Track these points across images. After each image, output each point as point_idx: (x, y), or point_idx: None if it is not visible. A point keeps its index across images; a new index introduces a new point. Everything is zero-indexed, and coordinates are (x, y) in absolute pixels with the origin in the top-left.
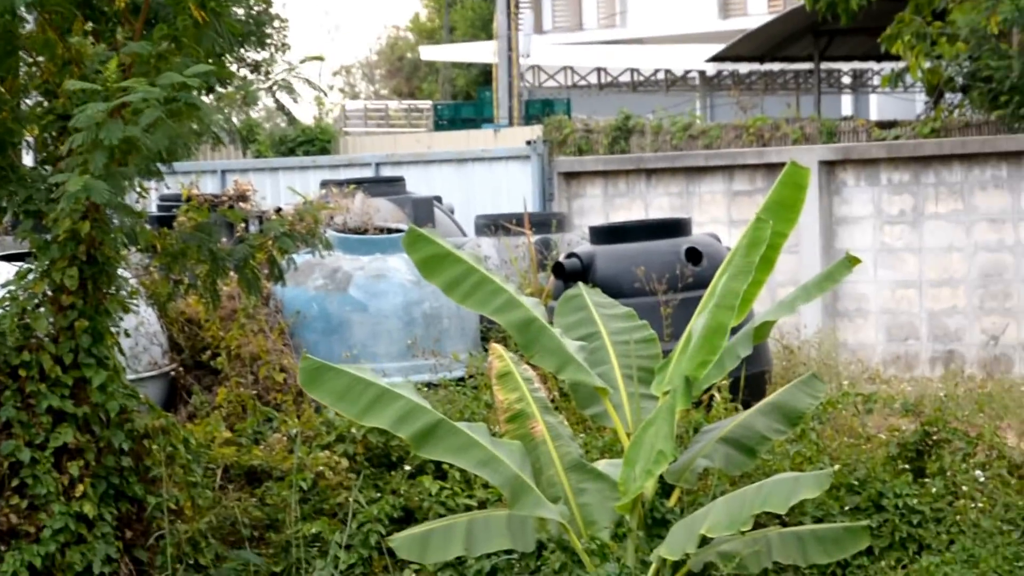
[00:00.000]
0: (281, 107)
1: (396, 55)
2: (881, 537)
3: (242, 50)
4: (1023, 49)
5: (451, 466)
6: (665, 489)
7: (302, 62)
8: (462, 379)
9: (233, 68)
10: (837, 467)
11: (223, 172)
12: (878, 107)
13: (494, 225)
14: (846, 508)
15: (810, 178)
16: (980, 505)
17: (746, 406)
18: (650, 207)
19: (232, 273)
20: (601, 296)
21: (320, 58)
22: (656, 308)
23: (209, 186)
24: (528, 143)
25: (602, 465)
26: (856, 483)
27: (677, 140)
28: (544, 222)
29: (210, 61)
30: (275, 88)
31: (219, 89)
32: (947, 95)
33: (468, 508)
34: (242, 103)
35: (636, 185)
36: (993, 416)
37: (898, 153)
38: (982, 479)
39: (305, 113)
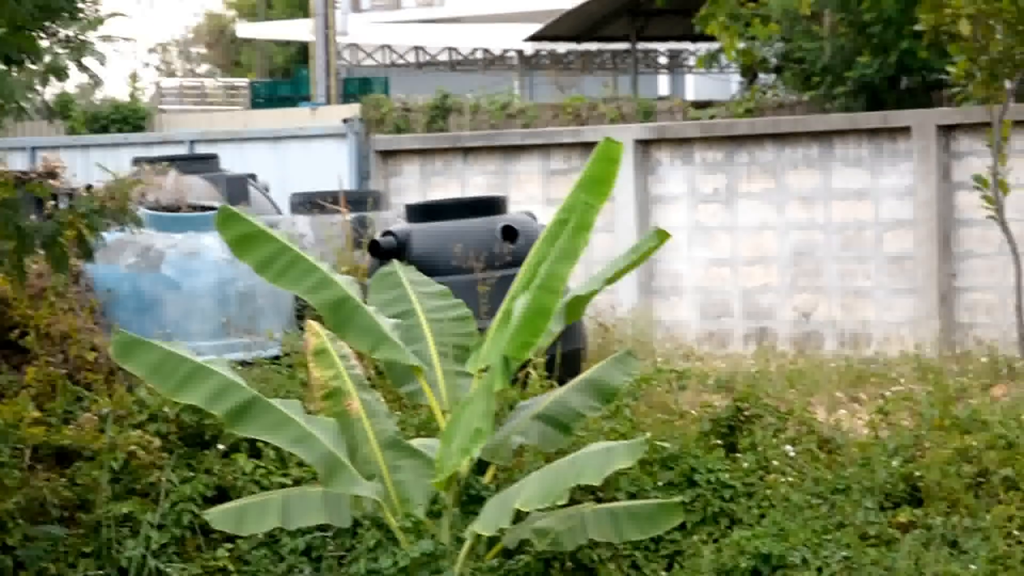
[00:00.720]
0: (84, 68)
1: (212, 32)
2: (694, 512)
3: (52, 24)
4: (834, 30)
5: (266, 444)
6: (480, 466)
7: (105, 39)
8: (277, 357)
9: (44, 43)
10: (649, 435)
11: (33, 149)
12: (695, 87)
13: (310, 203)
14: (660, 484)
15: (622, 153)
16: (790, 480)
17: (561, 383)
18: (467, 186)
19: (40, 250)
20: (416, 274)
21: (129, 39)
22: (472, 286)
23: (19, 163)
24: (345, 121)
25: (418, 443)
26: (669, 459)
27: (495, 119)
28: (360, 200)
29: (13, 32)
30: (77, 48)
31: (30, 66)
32: (761, 76)
33: (283, 487)
34: (50, 76)
35: (453, 164)
36: (803, 392)
37: (712, 132)
38: (792, 454)
39: (119, 91)
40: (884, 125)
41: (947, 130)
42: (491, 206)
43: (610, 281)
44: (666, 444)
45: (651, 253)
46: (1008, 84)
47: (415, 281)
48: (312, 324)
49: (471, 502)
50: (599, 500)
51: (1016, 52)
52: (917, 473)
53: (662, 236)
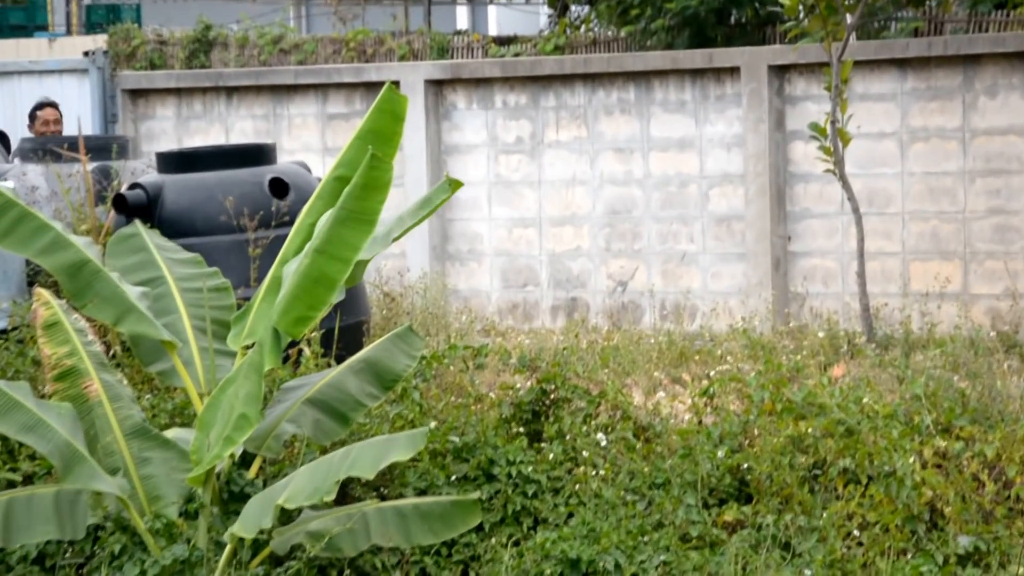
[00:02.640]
0: None
1: None
2: (492, 511)
3: None
4: None
5: None
6: (245, 459)
7: None
8: (4, 331)
9: None
10: (433, 424)
11: None
12: (498, 21)
13: (43, 150)
14: (453, 478)
15: (407, 106)
16: (602, 473)
17: (340, 361)
18: (231, 131)
19: None
20: (162, 239)
21: None
22: (236, 248)
23: None
24: (86, 55)
25: (172, 433)
26: (464, 449)
27: (266, 55)
28: (104, 147)
29: None
30: None
31: None
32: (573, 8)
33: (11, 484)
34: None
35: (215, 106)
36: (619, 372)
37: (515, 72)
38: (604, 443)
39: None
40: (710, 65)
41: (781, 71)
42: (259, 155)
43: (396, 239)
44: (459, 432)
45: (441, 205)
46: (849, 18)
47: (162, 246)
48: (41, 292)
49: (233, 500)
50: (383, 498)
51: None
52: (745, 465)
53: (455, 185)
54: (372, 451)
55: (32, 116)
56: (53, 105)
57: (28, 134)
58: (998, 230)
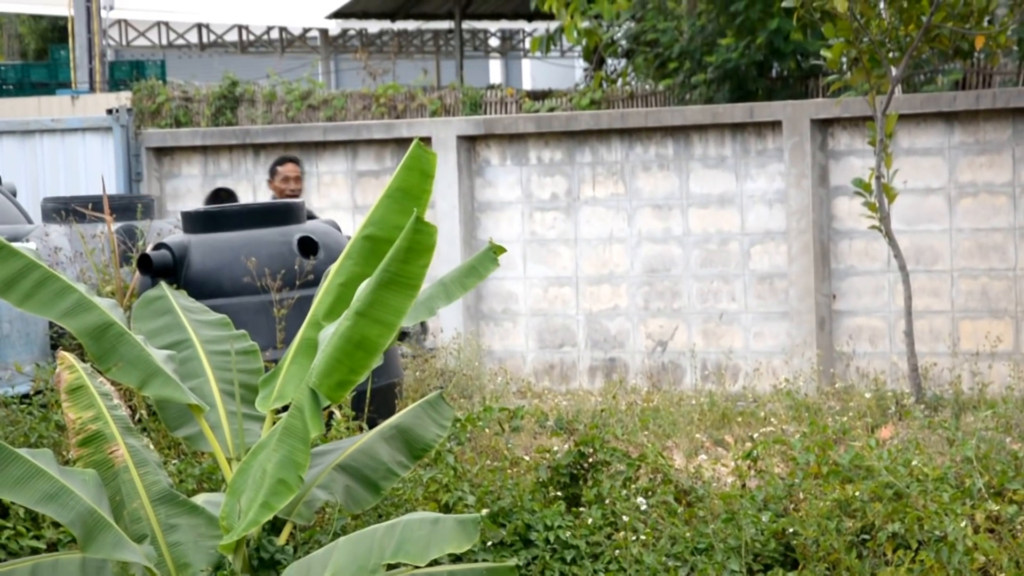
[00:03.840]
0: None
1: None
2: None
3: None
4: (693, 8)
5: (13, 502)
6: (275, 525)
7: None
8: (28, 396)
9: None
10: (485, 512)
11: None
12: (532, 75)
13: (66, 210)
14: (489, 543)
15: (436, 162)
16: (643, 538)
17: (372, 424)
18: (259, 189)
19: None
20: (189, 300)
21: None
22: (265, 309)
23: None
24: (110, 112)
25: (200, 498)
26: (501, 514)
27: (294, 111)
28: (129, 207)
29: None
30: None
31: None
32: (609, 61)
33: (35, 551)
34: None
35: (242, 163)
36: (659, 434)
37: (549, 127)
38: (645, 507)
39: None
40: (750, 119)
41: (824, 125)
42: (287, 214)
43: (433, 308)
44: (495, 497)
45: (487, 274)
46: (893, 71)
47: (189, 307)
48: (65, 355)
49: (263, 567)
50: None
51: (901, 32)
52: (791, 530)
53: (498, 251)
54: (421, 533)
55: (272, 171)
56: (294, 161)
57: (50, 194)
58: None
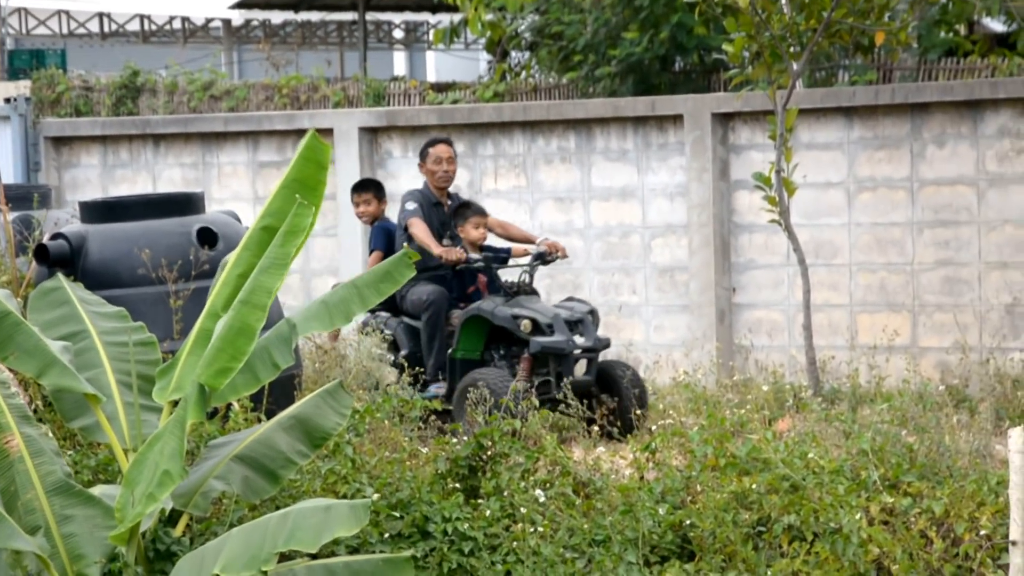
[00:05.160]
0: None
1: None
2: (427, 568)
3: None
4: (598, 1)
5: None
6: (171, 516)
7: None
8: None
9: None
10: (376, 496)
11: None
12: (436, 67)
13: None
14: (386, 535)
15: (330, 154)
16: (541, 530)
17: (270, 415)
18: (159, 180)
19: None
20: (85, 292)
21: None
22: (163, 299)
23: None
24: (8, 101)
25: (98, 490)
26: (399, 505)
27: (196, 101)
28: (26, 196)
29: None
30: None
31: None
32: (513, 54)
33: None
34: None
35: (142, 154)
36: (558, 426)
37: (452, 120)
38: (543, 499)
39: None
40: (652, 113)
41: (725, 119)
42: (186, 204)
43: (351, 314)
44: (393, 489)
45: (404, 280)
46: (794, 66)
47: (85, 299)
48: None
49: (159, 559)
50: (315, 556)
51: (802, 27)
52: (688, 522)
53: (413, 257)
54: (313, 520)
55: (423, 154)
56: (447, 142)
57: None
58: (947, 282)
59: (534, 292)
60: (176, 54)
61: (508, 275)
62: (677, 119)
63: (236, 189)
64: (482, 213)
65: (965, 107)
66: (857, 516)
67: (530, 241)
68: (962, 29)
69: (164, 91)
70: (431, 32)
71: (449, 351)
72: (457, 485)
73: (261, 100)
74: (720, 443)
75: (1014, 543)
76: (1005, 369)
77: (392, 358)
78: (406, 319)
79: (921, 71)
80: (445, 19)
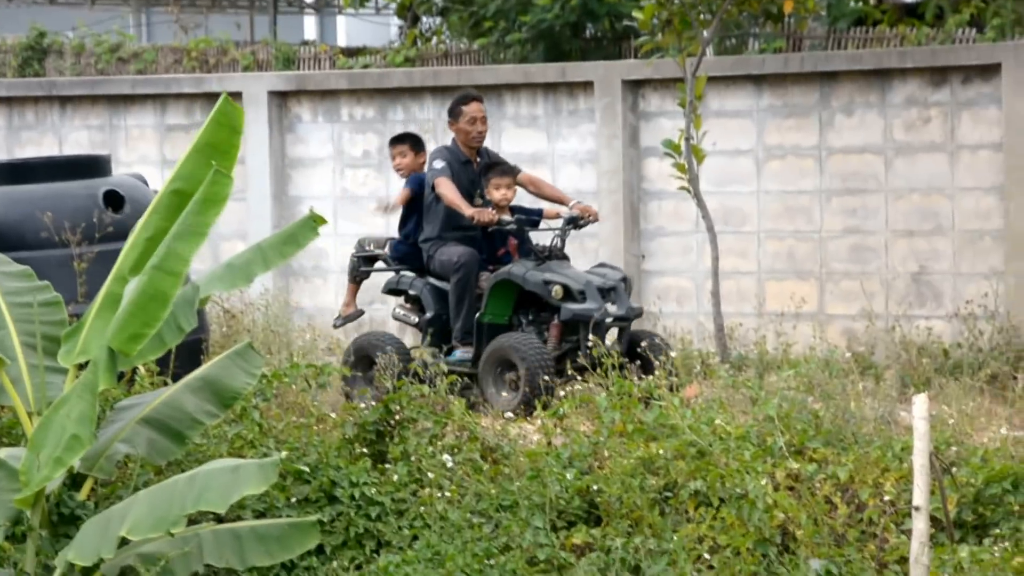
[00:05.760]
0: None
1: None
2: (334, 533)
3: None
4: None
5: None
6: (76, 480)
7: None
8: None
9: None
10: (284, 454)
11: None
12: (347, 32)
13: None
14: (293, 500)
15: (244, 118)
16: (448, 495)
17: (176, 379)
18: (65, 142)
19: None
20: None
21: None
22: (67, 262)
23: None
24: None
25: (3, 452)
26: (306, 471)
27: (104, 64)
28: None
29: None
30: None
31: None
32: (424, 19)
33: None
34: None
35: (48, 116)
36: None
37: (362, 84)
38: (451, 465)
39: None
40: (563, 79)
41: (635, 86)
42: (92, 167)
43: (251, 276)
44: (300, 453)
45: (307, 244)
46: (704, 33)
47: None
48: None
49: (63, 523)
50: (220, 519)
51: None
52: (595, 487)
53: (319, 221)
54: (221, 480)
55: (455, 112)
56: (479, 99)
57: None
58: (854, 250)
59: (565, 257)
60: (84, 16)
61: (539, 238)
62: (587, 86)
63: (143, 152)
64: (510, 172)
65: (873, 76)
66: (763, 482)
67: (562, 201)
68: None
69: (71, 53)
70: None
71: (476, 315)
72: (365, 450)
73: (170, 63)
74: (627, 409)
75: (917, 508)
76: (910, 336)
77: (416, 320)
78: (432, 280)
79: (830, 40)
80: None
